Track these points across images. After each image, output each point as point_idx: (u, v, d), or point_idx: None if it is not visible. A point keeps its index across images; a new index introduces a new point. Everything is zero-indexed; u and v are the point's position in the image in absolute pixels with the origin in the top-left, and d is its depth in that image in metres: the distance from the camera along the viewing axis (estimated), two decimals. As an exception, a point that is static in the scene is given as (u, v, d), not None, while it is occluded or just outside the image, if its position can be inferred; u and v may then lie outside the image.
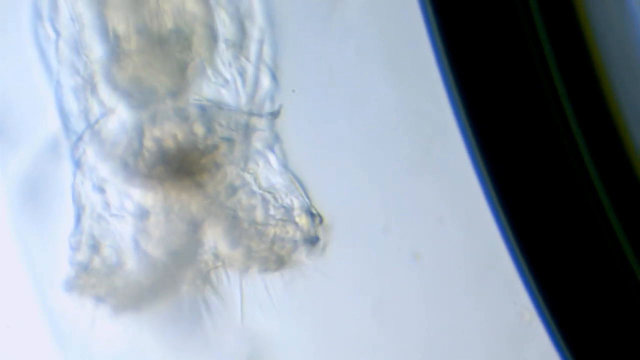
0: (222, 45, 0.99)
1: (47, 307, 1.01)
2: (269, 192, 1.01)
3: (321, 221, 1.02)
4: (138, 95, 0.97)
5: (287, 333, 1.03)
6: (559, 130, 1.02)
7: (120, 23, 0.97)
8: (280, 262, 1.01)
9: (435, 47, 1.02)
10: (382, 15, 1.02)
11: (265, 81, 1.01)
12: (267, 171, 1.01)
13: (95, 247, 0.99)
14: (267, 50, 1.01)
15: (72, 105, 0.99)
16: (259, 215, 1.00)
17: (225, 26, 0.99)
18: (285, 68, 1.02)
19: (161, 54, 0.96)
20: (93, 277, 0.98)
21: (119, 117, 0.98)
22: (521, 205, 1.02)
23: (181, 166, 0.97)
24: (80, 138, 0.99)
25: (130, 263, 0.99)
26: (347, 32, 1.02)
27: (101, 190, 0.98)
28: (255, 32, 1.00)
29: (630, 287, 1.02)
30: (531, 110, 1.02)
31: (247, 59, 1.00)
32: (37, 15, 0.99)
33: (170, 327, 1.01)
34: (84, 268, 0.99)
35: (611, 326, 1.02)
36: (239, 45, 0.99)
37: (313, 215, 1.01)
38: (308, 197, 1.02)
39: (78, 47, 0.98)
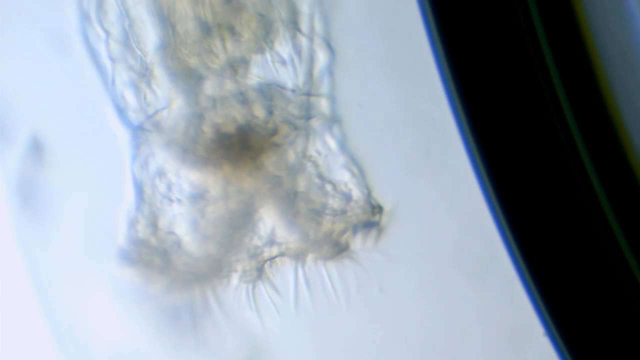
0: (276, 24, 0.99)
1: (47, 307, 1.01)
2: (328, 178, 1.00)
3: (381, 210, 1.01)
4: (195, 81, 0.97)
5: (286, 333, 1.03)
6: (557, 130, 1.02)
7: (176, 11, 0.97)
8: (336, 249, 1.00)
9: (435, 47, 1.02)
10: (382, 15, 1.03)
11: (322, 56, 1.01)
12: (326, 155, 1.01)
13: (153, 226, 0.99)
14: (319, 25, 1.01)
15: (129, 99, 0.99)
16: (317, 200, 1.00)
17: (277, 5, 0.99)
18: (333, 40, 1.02)
19: (217, 37, 0.96)
20: (148, 254, 0.99)
21: (178, 103, 0.98)
22: (520, 206, 1.02)
23: (241, 149, 0.97)
24: (141, 127, 0.99)
25: (187, 244, 0.99)
26: (347, 32, 1.02)
27: (161, 172, 0.99)
28: (305, 7, 1.00)
29: (629, 288, 1.02)
30: (530, 110, 1.02)
31: (302, 36, 1.00)
32: (84, 16, 0.99)
33: (170, 326, 1.01)
34: (141, 244, 0.99)
35: (610, 327, 1.02)
36: (293, 22, 0.99)
37: (372, 203, 1.01)
38: (367, 184, 1.01)
39: (131, 42, 0.98)
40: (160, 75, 0.98)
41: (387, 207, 1.02)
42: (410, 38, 1.02)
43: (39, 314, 1.01)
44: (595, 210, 1.02)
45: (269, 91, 0.98)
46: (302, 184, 0.99)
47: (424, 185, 1.03)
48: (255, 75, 0.98)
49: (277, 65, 0.99)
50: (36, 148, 1.00)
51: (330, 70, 1.01)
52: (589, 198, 1.02)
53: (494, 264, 1.04)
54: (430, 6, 1.01)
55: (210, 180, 0.98)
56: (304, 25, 1.00)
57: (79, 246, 1.01)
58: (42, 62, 1.00)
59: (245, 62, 0.98)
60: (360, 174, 1.01)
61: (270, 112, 0.97)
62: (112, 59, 0.99)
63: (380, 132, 1.03)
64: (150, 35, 0.98)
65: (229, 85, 0.97)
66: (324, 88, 1.01)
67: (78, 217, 1.01)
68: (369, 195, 1.01)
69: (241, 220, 0.98)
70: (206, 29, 0.97)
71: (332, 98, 1.00)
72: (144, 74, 0.98)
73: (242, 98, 0.97)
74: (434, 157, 1.04)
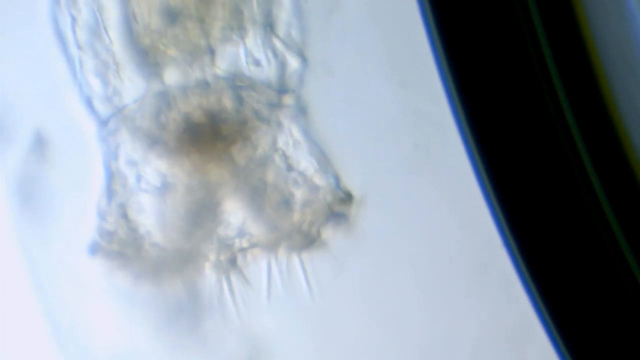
0: (249, 18, 0.99)
1: (47, 307, 1.01)
2: (297, 169, 1.00)
3: (350, 199, 1.01)
4: (162, 68, 0.97)
5: (286, 333, 1.03)
6: (557, 130, 1.02)
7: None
8: (307, 240, 1.00)
9: (435, 47, 1.02)
10: (382, 15, 1.03)
11: (294, 60, 1.01)
12: (295, 148, 1.01)
13: (122, 216, 0.99)
14: (294, 31, 1.01)
15: (97, 87, 0.99)
16: (286, 191, 1.00)
17: (254, 6, 0.99)
18: (307, 43, 1.02)
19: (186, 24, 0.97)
20: (117, 244, 0.99)
21: (146, 91, 0.98)
22: (520, 206, 1.02)
23: (210, 139, 0.97)
24: (110, 115, 0.99)
25: (155, 234, 0.99)
26: (347, 32, 1.02)
27: (130, 162, 0.99)
28: (283, 13, 1.00)
29: (629, 288, 1.02)
30: (530, 110, 1.02)
31: (277, 39, 1.00)
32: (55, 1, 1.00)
33: (170, 326, 1.01)
34: (110, 235, 0.99)
35: (610, 327, 1.02)
36: (268, 25, 0.99)
37: (341, 192, 1.01)
38: (336, 174, 1.01)
39: (98, 29, 0.98)
40: (127, 63, 0.98)
41: (356, 195, 1.02)
42: (410, 38, 1.02)
43: (39, 314, 1.01)
44: (595, 210, 1.02)
45: (239, 82, 0.98)
46: (271, 175, 0.99)
47: (424, 185, 1.04)
48: (226, 66, 0.99)
49: (248, 58, 0.99)
50: (39, 145, 1.00)
51: (301, 64, 1.01)
52: (589, 198, 1.02)
53: (493, 264, 1.04)
54: (430, 6, 1.01)
55: (178, 170, 0.98)
56: (277, 22, 1.00)
57: (78, 246, 1.01)
58: (42, 62, 1.00)
59: (213, 52, 0.98)
60: (329, 164, 1.01)
61: (240, 104, 0.98)
62: (79, 47, 0.99)
63: (380, 132, 1.03)
64: (116, 21, 0.98)
65: (198, 74, 0.98)
66: (294, 81, 1.01)
67: (78, 217, 1.01)
68: (337, 185, 1.01)
69: (209, 211, 0.98)
70: (173, 16, 0.97)
71: (300, 90, 1.01)
72: (111, 62, 0.98)
73: (212, 88, 0.97)
74: (434, 157, 1.04)
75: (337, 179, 1.01)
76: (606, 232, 1.02)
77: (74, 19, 0.98)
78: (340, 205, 1.01)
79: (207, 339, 1.01)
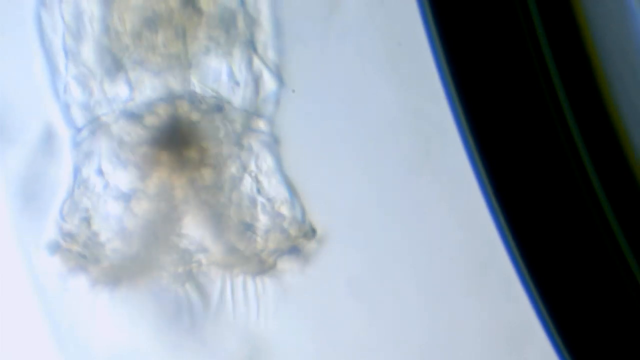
0: (231, 39, 0.99)
1: (47, 306, 1.01)
2: (265, 196, 1.01)
3: (313, 234, 1.02)
4: (132, 75, 0.97)
5: (286, 333, 1.03)
6: (557, 131, 1.02)
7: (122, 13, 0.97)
8: (262, 267, 1.01)
9: (435, 47, 1.02)
10: (382, 15, 1.03)
11: (270, 83, 1.01)
12: (264, 175, 1.01)
13: (84, 220, 0.99)
14: (272, 53, 1.01)
15: (75, 93, 0.99)
16: (250, 216, 1.00)
17: (237, 24, 0.99)
18: (285, 67, 1.02)
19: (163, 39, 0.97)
20: (78, 247, 0.99)
21: (123, 99, 0.98)
22: (520, 206, 1.02)
23: (178, 154, 0.97)
24: (84, 121, 0.99)
25: (116, 239, 0.99)
26: (347, 32, 1.02)
27: (99, 169, 0.99)
28: (261, 35, 1.01)
29: (629, 288, 1.02)
30: (530, 110, 1.02)
31: (254, 60, 1.00)
32: (42, 4, 0.99)
33: (169, 326, 1.01)
34: (71, 236, 0.99)
35: (610, 327, 1.02)
36: (249, 44, 0.99)
37: (305, 226, 1.01)
38: (303, 208, 1.01)
39: (79, 34, 0.98)
40: (104, 71, 0.98)
41: (319, 231, 1.02)
42: (410, 38, 1.02)
43: (39, 314, 1.01)
44: (595, 210, 1.02)
45: (215, 101, 0.99)
46: (236, 198, 0.99)
47: (424, 185, 1.04)
48: (203, 82, 0.99)
49: (226, 77, 0.99)
50: (47, 140, 1.00)
51: (277, 92, 1.01)
52: (589, 198, 1.02)
53: (493, 264, 1.04)
54: (430, 6, 1.01)
55: (145, 181, 0.98)
56: (259, 47, 1.00)
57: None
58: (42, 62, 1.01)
59: (191, 67, 0.98)
60: (297, 196, 1.01)
61: (213, 123, 0.98)
62: (61, 52, 0.99)
63: (380, 132, 1.03)
64: (96, 28, 0.98)
65: (174, 88, 0.98)
66: (270, 108, 1.01)
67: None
68: (302, 218, 1.01)
69: (170, 224, 0.98)
70: (153, 24, 0.97)
71: (275, 119, 1.01)
72: (89, 69, 0.98)
73: (187, 104, 0.98)
74: (434, 157, 1.04)
75: (303, 212, 1.01)
76: (606, 232, 1.02)
77: (56, 24, 0.98)
78: (302, 239, 1.01)
79: (207, 339, 1.01)
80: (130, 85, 0.98)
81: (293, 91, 1.01)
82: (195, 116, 0.98)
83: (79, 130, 0.99)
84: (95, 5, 0.98)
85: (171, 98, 0.98)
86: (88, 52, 0.98)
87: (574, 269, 1.01)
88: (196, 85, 0.99)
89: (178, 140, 0.97)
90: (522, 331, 1.03)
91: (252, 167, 1.01)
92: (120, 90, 0.98)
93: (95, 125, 0.99)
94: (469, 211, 1.04)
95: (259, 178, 1.01)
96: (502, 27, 1.01)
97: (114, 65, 0.98)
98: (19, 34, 1.00)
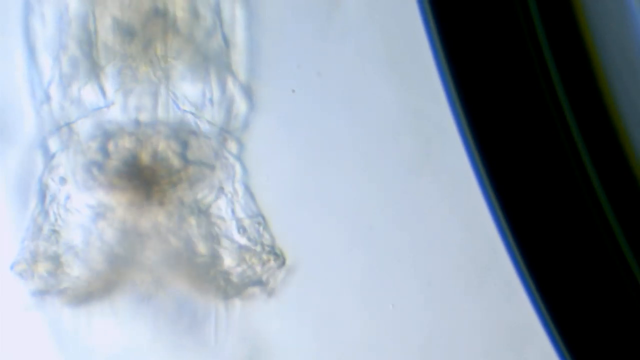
0: (203, 57, 0.99)
1: (47, 307, 1.01)
2: (235, 221, 1.00)
3: (282, 262, 1.01)
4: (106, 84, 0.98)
5: (286, 333, 1.03)
6: (557, 130, 1.02)
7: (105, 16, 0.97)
8: (225, 294, 1.00)
9: (435, 47, 1.02)
10: (382, 15, 1.03)
11: (242, 105, 1.01)
12: (236, 200, 1.01)
13: (48, 237, 0.99)
14: (245, 74, 1.01)
15: (55, 99, 0.99)
16: (218, 241, 1.00)
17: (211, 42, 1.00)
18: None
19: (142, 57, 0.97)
20: (42, 266, 0.99)
21: (96, 118, 0.98)
22: (520, 206, 1.02)
23: (148, 180, 0.97)
24: (56, 132, 0.99)
25: (80, 257, 0.99)
26: (347, 32, 1.02)
27: (66, 186, 0.99)
28: (236, 55, 1.00)
29: (629, 288, 1.02)
30: (530, 110, 1.02)
31: (230, 80, 1.00)
32: (28, 8, 0.99)
33: (169, 327, 1.01)
34: (35, 255, 0.99)
35: (610, 327, 1.02)
36: (223, 64, 0.99)
37: (275, 254, 1.01)
38: (272, 235, 1.01)
39: (64, 42, 0.98)
40: (82, 78, 0.98)
41: (288, 261, 1.02)
42: (410, 38, 1.02)
43: (39, 314, 1.01)
44: (595, 210, 1.02)
45: (184, 126, 0.99)
46: (205, 222, 0.99)
47: (424, 185, 1.03)
48: (173, 102, 0.99)
49: (199, 99, 0.99)
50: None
51: (248, 116, 1.01)
52: (589, 198, 1.02)
53: (493, 264, 1.04)
54: (430, 6, 1.01)
55: (112, 200, 0.98)
56: (233, 67, 1.00)
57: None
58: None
59: (166, 80, 0.98)
60: (267, 223, 1.01)
61: (184, 146, 0.98)
62: (42, 55, 0.99)
63: (381, 133, 1.03)
64: (76, 35, 0.98)
65: (147, 102, 0.97)
66: (239, 128, 1.01)
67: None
68: (272, 245, 1.01)
69: (136, 244, 0.98)
70: (130, 34, 0.97)
71: (243, 145, 1.01)
72: (67, 75, 0.98)
73: (158, 123, 0.98)
74: (434, 158, 1.04)
75: (273, 239, 1.01)
76: (606, 232, 1.02)
77: (39, 27, 0.98)
78: (270, 266, 1.01)
79: (207, 339, 1.01)
80: (104, 95, 0.98)
81: (293, 91, 1.01)
82: (165, 139, 0.98)
83: (48, 135, 0.99)
84: (75, 10, 0.98)
85: (144, 116, 0.98)
86: (65, 57, 0.98)
87: (574, 269, 1.01)
88: (168, 105, 0.99)
89: (147, 163, 0.97)
90: (523, 331, 1.03)
91: (224, 190, 1.00)
92: (93, 98, 0.98)
93: (66, 136, 0.98)
94: (470, 211, 1.03)
95: (229, 202, 1.00)
96: (502, 27, 1.01)
97: (89, 71, 0.97)
98: (19, 34, 1.00)
